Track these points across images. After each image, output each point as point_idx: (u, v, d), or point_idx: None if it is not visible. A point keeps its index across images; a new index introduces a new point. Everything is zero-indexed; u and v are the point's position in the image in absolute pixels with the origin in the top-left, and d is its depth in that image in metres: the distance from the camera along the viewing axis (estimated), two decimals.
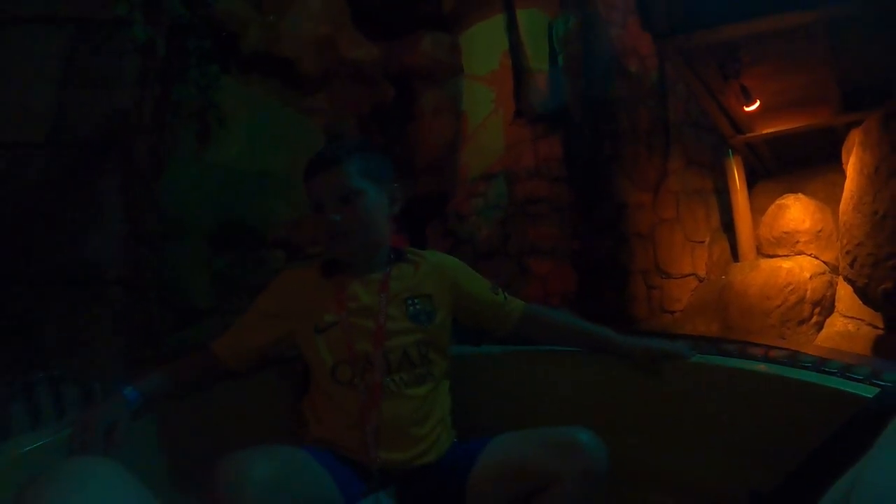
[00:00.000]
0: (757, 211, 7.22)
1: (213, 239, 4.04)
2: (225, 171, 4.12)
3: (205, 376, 1.66)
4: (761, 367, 1.63)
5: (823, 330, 6.39)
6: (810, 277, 6.58)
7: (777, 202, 7.06)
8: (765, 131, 6.98)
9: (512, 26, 6.02)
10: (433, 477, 1.54)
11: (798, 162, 7.27)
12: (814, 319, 6.52)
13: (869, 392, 1.35)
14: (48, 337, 2.77)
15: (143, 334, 3.29)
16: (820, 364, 1.52)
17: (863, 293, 5.76)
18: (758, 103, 6.29)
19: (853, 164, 5.65)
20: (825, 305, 6.52)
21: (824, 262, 6.66)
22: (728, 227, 7.40)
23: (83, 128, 2.78)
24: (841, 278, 6.29)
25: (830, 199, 6.53)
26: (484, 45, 5.95)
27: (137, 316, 3.26)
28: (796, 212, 6.88)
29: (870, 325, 5.88)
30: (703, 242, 7.16)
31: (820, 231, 6.74)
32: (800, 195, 6.98)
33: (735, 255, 7.33)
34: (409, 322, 1.61)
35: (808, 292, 6.53)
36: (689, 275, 6.98)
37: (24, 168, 2.71)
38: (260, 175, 4.21)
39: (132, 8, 2.96)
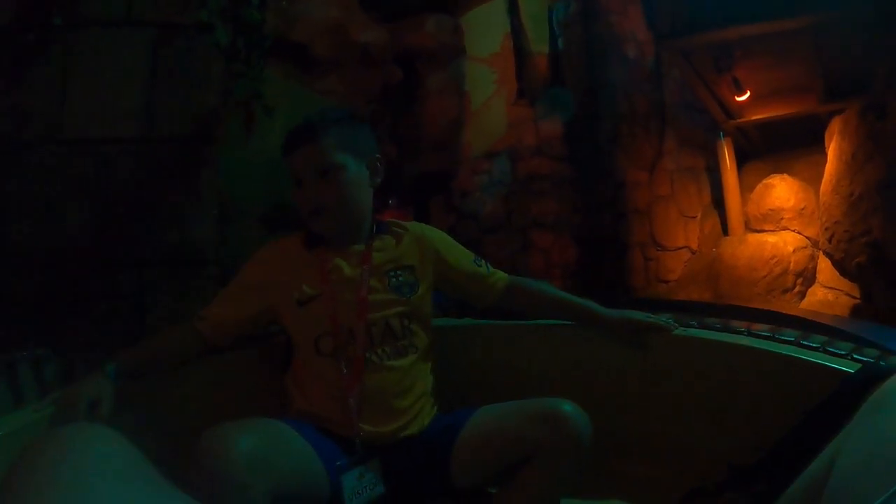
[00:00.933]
0: (745, 189, 7.43)
1: (265, 220, 4.18)
2: (268, 157, 4.12)
3: (186, 351, 1.62)
4: (743, 340, 1.59)
5: (805, 299, 6.71)
6: (793, 251, 6.90)
7: (764, 181, 7.29)
8: (754, 118, 7.14)
9: (513, 9, 6.06)
10: (417, 449, 1.52)
11: (785, 144, 7.39)
12: (797, 289, 6.88)
13: (849, 367, 1.33)
14: (160, 313, 3.05)
15: None
16: (802, 338, 1.49)
17: (840, 266, 6.00)
18: (748, 94, 6.52)
19: (833, 149, 5.94)
20: (807, 276, 6.87)
21: (807, 237, 6.92)
22: (718, 203, 7.56)
23: (173, 124, 2.98)
24: (821, 252, 6.49)
25: (814, 179, 6.71)
26: (486, 27, 5.97)
27: None
28: (782, 191, 7.12)
29: (847, 294, 6.14)
30: (695, 217, 7.30)
31: (803, 209, 6.99)
32: (785, 175, 7.22)
33: (725, 229, 7.53)
34: (392, 294, 1.59)
35: (792, 264, 6.87)
36: (683, 247, 7.10)
37: (119, 161, 2.90)
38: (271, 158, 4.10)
39: (212, 14, 3.14)
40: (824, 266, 6.56)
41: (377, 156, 1.63)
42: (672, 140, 7.03)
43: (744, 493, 1.30)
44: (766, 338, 1.54)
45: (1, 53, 2.96)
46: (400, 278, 1.60)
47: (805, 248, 6.92)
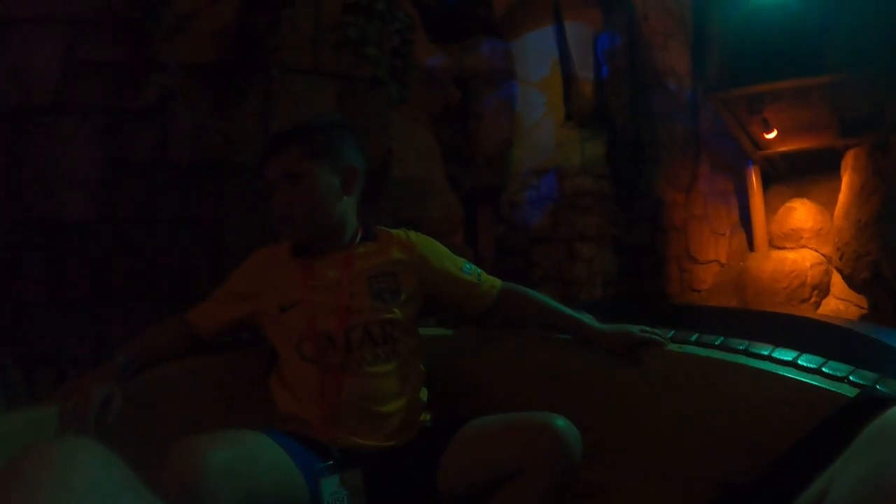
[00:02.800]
0: (770, 210, 7.66)
1: None
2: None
3: (180, 344, 1.60)
4: (740, 359, 1.52)
5: (820, 308, 6.99)
6: (810, 266, 7.16)
7: (786, 204, 7.54)
8: (780, 150, 7.38)
9: (561, 37, 6.37)
10: (404, 460, 1.45)
11: (806, 171, 7.58)
12: (812, 300, 7.14)
13: (846, 391, 1.28)
14: None
15: None
16: (798, 358, 1.44)
17: (849, 280, 6.38)
18: (775, 132, 6.81)
19: (846, 180, 6.32)
20: (822, 289, 7.13)
21: (822, 255, 7.18)
22: (745, 222, 7.75)
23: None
24: (834, 268, 6.78)
25: (830, 203, 6.92)
26: (537, 53, 6.26)
27: None
28: (802, 213, 7.39)
29: (857, 305, 6.49)
30: (724, 234, 7.55)
31: (820, 230, 7.24)
32: (805, 200, 7.43)
33: (751, 245, 7.73)
34: (372, 300, 1.53)
35: (809, 278, 7.13)
36: (713, 261, 7.37)
37: None
38: (408, 181, 4.32)
39: (384, 72, 3.53)
40: (837, 280, 6.85)
41: (353, 165, 1.57)
42: (706, 165, 7.26)
43: None
44: (762, 357, 1.49)
45: (207, 89, 3.29)
46: (382, 285, 1.55)
47: (821, 264, 7.16)
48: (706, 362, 1.54)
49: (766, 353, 1.50)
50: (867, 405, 1.03)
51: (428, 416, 1.58)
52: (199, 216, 3.12)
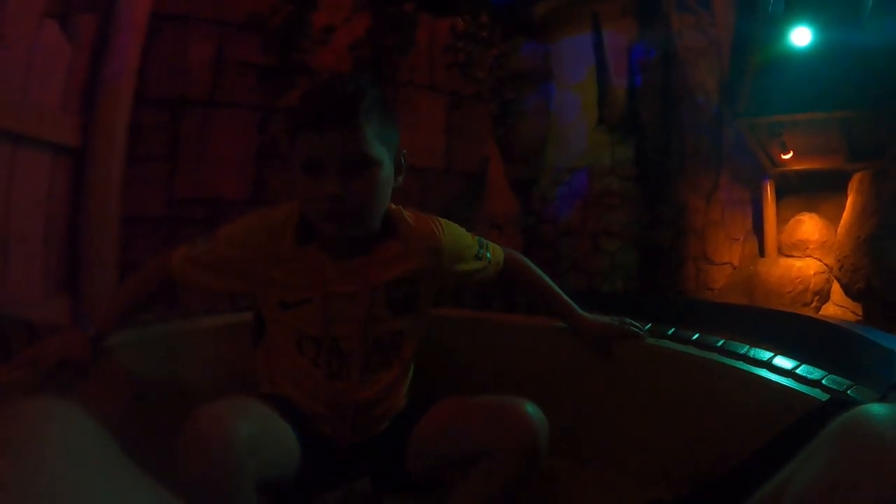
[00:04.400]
0: (781, 220, 7.64)
1: None
2: None
3: (158, 292, 1.47)
4: (714, 357, 1.48)
5: (820, 312, 7.15)
6: (814, 274, 7.25)
7: (796, 217, 7.65)
8: (794, 168, 7.58)
9: (598, 44, 6.40)
10: (383, 442, 1.41)
11: (816, 187, 7.69)
12: (814, 304, 7.15)
13: (817, 394, 1.23)
14: None
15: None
16: (773, 360, 1.38)
17: (847, 289, 6.71)
18: (791, 153, 7.21)
19: (850, 200, 6.70)
20: (823, 295, 7.18)
21: (825, 265, 7.24)
22: (758, 230, 7.84)
23: (463, 162, 4.32)
24: (835, 278, 7.09)
25: (835, 218, 7.10)
26: (575, 58, 6.36)
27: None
28: (809, 226, 7.51)
29: (852, 312, 6.73)
30: (738, 240, 7.68)
31: (824, 242, 7.35)
32: (813, 214, 7.56)
33: (762, 251, 7.84)
34: (387, 310, 1.40)
35: (811, 285, 7.23)
36: (727, 263, 7.51)
37: (432, 182, 4.12)
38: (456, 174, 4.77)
39: (486, 91, 4.03)
40: (836, 288, 7.03)
41: (404, 151, 1.37)
42: (726, 176, 7.30)
43: None
44: (738, 356, 1.44)
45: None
46: (401, 293, 1.41)
47: (823, 273, 7.26)
48: (680, 358, 1.49)
49: (741, 351, 1.45)
50: (837, 409, 0.97)
51: (408, 397, 1.51)
52: None
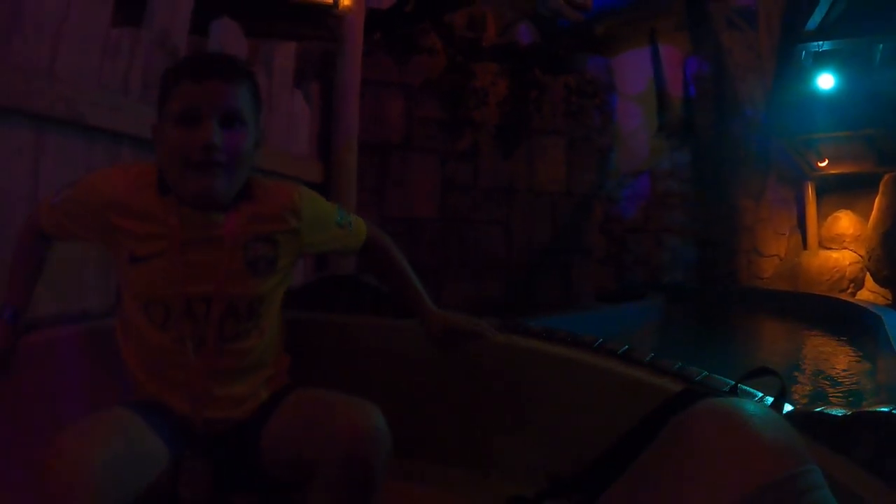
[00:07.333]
0: (821, 217, 8.70)
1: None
2: None
3: (45, 253, 1.39)
4: (564, 351, 1.41)
5: (855, 297, 7.94)
6: (849, 264, 8.22)
7: (834, 214, 8.65)
8: (830, 171, 8.50)
9: (656, 58, 6.94)
10: (242, 431, 1.27)
11: (851, 187, 8.56)
12: (849, 290, 8.22)
13: (673, 385, 1.20)
14: (575, 278, 5.22)
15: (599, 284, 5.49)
16: (629, 352, 1.33)
17: (874, 277, 7.65)
18: (827, 161, 8.09)
19: (879, 199, 7.61)
20: (857, 282, 8.23)
21: (859, 255, 8.19)
22: (801, 225, 8.71)
23: (579, 186, 5.60)
24: (866, 267, 8.04)
25: (869, 213, 7.94)
26: (635, 71, 6.75)
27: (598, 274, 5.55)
28: (845, 222, 8.49)
29: (882, 297, 7.63)
30: (784, 235, 8.42)
31: (858, 236, 8.29)
32: (849, 211, 8.58)
33: (804, 244, 8.69)
34: (246, 269, 1.26)
35: (847, 273, 8.21)
36: (774, 255, 8.27)
37: (559, 204, 5.43)
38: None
39: (594, 134, 5.34)
40: (869, 276, 7.99)
41: (262, 128, 1.30)
42: (773, 178, 8.25)
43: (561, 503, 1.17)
44: (590, 349, 1.38)
45: (497, 140, 4.83)
46: (259, 252, 1.28)
47: (857, 262, 8.16)
48: (533, 353, 1.44)
49: (594, 344, 1.40)
50: (689, 400, 0.96)
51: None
52: (497, 218, 5.03)
